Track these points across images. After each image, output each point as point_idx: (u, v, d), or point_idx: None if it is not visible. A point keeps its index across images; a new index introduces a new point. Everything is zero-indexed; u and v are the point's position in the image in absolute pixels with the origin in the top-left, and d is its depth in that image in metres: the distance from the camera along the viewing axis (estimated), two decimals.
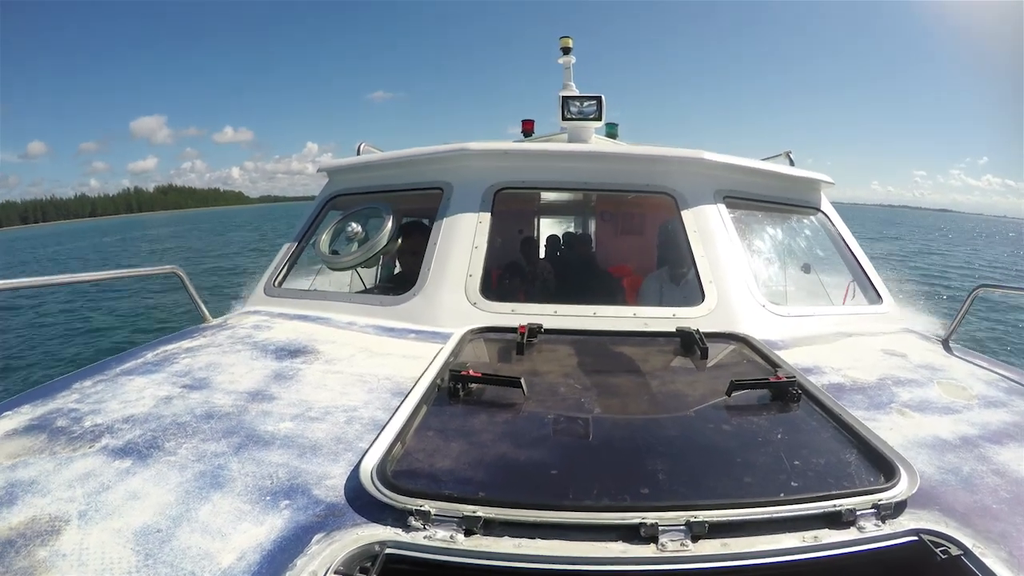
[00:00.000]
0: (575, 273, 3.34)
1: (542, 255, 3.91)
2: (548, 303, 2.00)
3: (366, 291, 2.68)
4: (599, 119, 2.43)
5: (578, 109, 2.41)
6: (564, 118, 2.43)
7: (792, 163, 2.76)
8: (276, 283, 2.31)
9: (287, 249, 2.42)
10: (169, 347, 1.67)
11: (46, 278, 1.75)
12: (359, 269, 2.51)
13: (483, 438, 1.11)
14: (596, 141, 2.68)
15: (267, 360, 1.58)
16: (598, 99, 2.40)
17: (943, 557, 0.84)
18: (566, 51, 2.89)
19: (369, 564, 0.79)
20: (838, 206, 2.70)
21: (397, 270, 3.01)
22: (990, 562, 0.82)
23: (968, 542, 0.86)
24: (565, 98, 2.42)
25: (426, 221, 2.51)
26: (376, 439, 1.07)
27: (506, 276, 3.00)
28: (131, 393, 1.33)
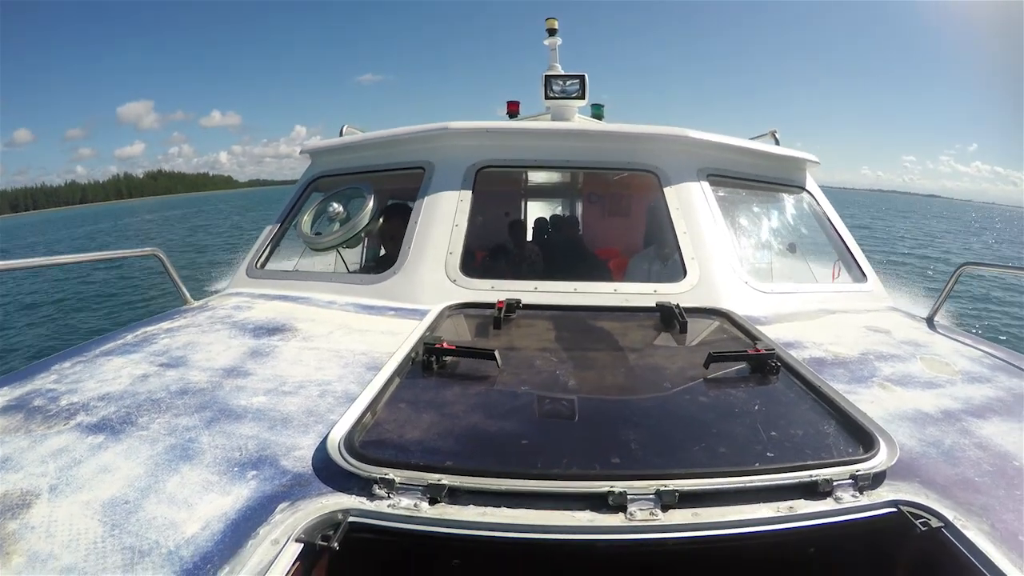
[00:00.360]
0: (562, 255, 3.34)
1: (529, 238, 3.89)
2: (529, 280, 1.99)
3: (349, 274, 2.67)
4: (582, 98, 2.40)
5: (561, 88, 2.38)
6: (547, 97, 2.41)
7: (777, 142, 2.75)
8: (258, 264, 2.31)
9: (269, 231, 2.41)
10: (149, 328, 1.67)
11: (23, 261, 1.73)
12: (342, 251, 2.50)
13: (454, 409, 1.11)
14: (581, 121, 2.66)
15: (245, 338, 1.58)
16: (581, 78, 2.38)
17: (923, 529, 0.83)
18: (552, 32, 2.85)
19: (332, 532, 0.80)
20: (828, 190, 2.68)
21: (382, 252, 3.01)
22: (971, 534, 0.81)
23: (949, 514, 0.85)
24: (548, 77, 2.39)
25: (411, 204, 2.51)
26: (347, 411, 1.07)
27: (492, 258, 2.98)
28: (108, 372, 1.33)
